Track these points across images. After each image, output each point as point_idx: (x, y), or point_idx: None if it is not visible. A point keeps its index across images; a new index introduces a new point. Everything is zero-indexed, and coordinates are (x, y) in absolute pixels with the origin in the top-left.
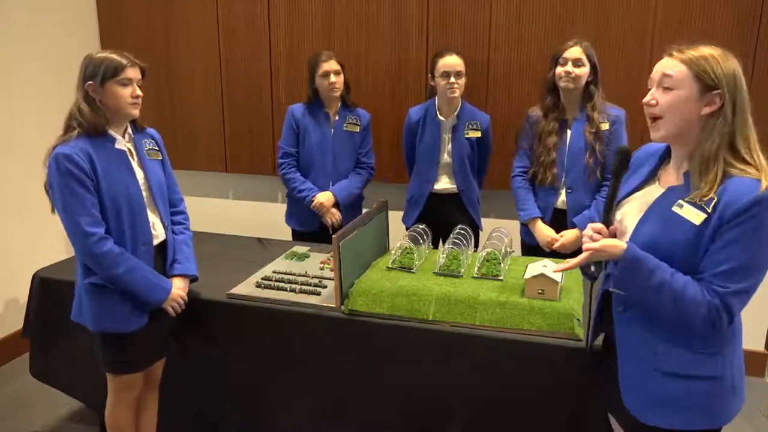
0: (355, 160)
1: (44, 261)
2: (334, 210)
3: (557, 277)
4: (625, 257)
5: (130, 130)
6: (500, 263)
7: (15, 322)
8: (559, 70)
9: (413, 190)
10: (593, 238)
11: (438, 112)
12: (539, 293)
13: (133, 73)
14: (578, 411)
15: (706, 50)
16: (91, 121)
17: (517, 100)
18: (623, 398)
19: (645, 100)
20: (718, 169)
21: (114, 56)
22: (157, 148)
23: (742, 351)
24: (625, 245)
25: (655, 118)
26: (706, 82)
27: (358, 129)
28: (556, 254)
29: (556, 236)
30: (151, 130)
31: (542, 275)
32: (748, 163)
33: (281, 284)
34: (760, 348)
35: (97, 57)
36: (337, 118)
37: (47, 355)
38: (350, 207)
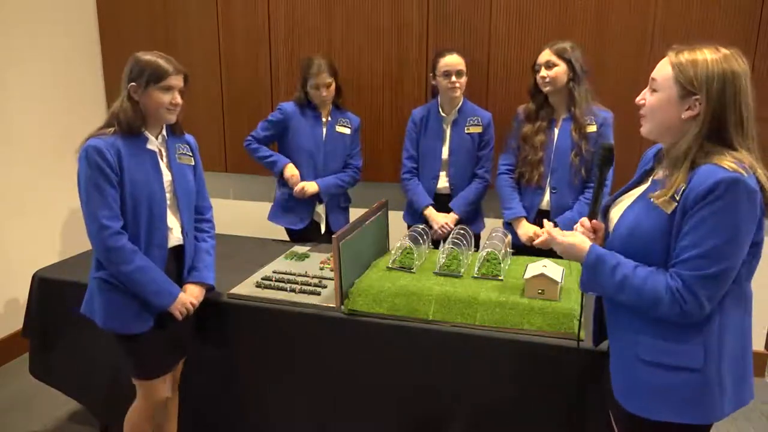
0: (344, 162)
1: (44, 261)
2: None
3: (557, 277)
4: (588, 257)
5: (164, 132)
6: (500, 263)
7: (15, 322)
8: (537, 77)
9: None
10: (564, 235)
11: (440, 110)
12: (539, 293)
13: (176, 80)
14: (578, 411)
15: (701, 53)
16: (129, 121)
17: (517, 100)
18: (612, 386)
19: (637, 99)
20: (685, 167)
21: (160, 62)
22: (190, 154)
23: (740, 350)
24: (588, 247)
25: (644, 115)
26: (685, 86)
27: (349, 131)
28: (548, 253)
29: (539, 231)
30: (188, 137)
31: (542, 275)
32: (723, 154)
33: (281, 284)
34: (760, 348)
35: (143, 59)
36: (329, 118)
37: (47, 354)
38: (338, 208)
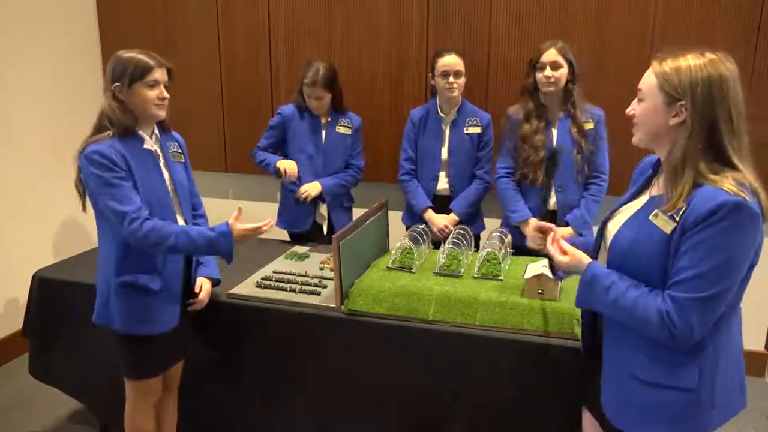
0: (346, 163)
1: (44, 261)
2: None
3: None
4: (585, 275)
5: (157, 132)
6: (500, 263)
7: (15, 322)
8: (539, 75)
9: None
10: (561, 247)
11: (439, 110)
12: (539, 293)
13: (160, 74)
14: (578, 411)
15: (684, 59)
16: (121, 121)
17: (517, 100)
18: (602, 400)
19: (627, 110)
20: (687, 179)
21: (141, 57)
22: (180, 151)
23: (734, 367)
24: (587, 263)
25: (635, 124)
26: (669, 93)
27: (350, 131)
28: (539, 253)
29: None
30: (175, 134)
31: (542, 275)
32: (725, 174)
33: (281, 284)
34: (760, 348)
35: (124, 57)
36: (328, 119)
37: (47, 355)
38: (341, 208)
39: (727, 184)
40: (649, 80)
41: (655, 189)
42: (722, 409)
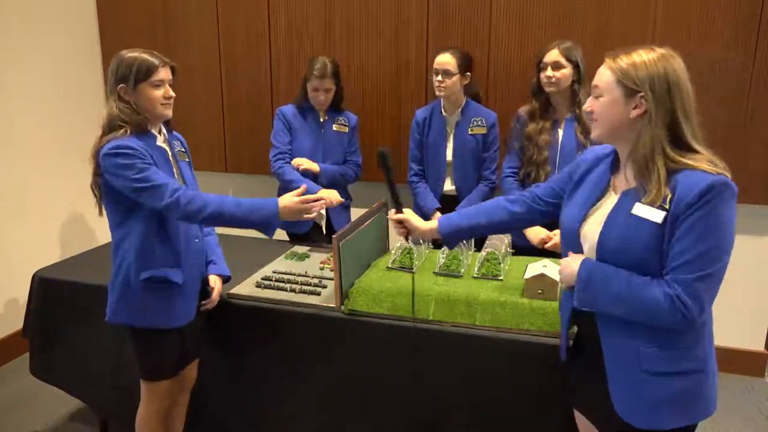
0: (344, 160)
1: (44, 261)
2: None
3: (557, 277)
4: (580, 273)
5: (164, 130)
6: (500, 263)
7: (15, 322)
8: (541, 75)
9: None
10: (401, 227)
11: (443, 110)
12: (539, 293)
13: (164, 73)
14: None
15: (638, 55)
16: (132, 119)
17: (517, 100)
18: (615, 406)
19: (584, 107)
20: (659, 168)
21: (145, 56)
22: (184, 150)
23: (712, 335)
24: (578, 264)
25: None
26: (628, 86)
27: (346, 129)
28: (548, 254)
29: (550, 234)
30: (176, 134)
31: (542, 275)
32: (693, 156)
33: (281, 284)
34: (760, 348)
35: (128, 57)
36: (326, 118)
37: (47, 354)
38: (339, 207)
39: (704, 164)
40: (604, 76)
41: (623, 184)
42: (714, 377)
